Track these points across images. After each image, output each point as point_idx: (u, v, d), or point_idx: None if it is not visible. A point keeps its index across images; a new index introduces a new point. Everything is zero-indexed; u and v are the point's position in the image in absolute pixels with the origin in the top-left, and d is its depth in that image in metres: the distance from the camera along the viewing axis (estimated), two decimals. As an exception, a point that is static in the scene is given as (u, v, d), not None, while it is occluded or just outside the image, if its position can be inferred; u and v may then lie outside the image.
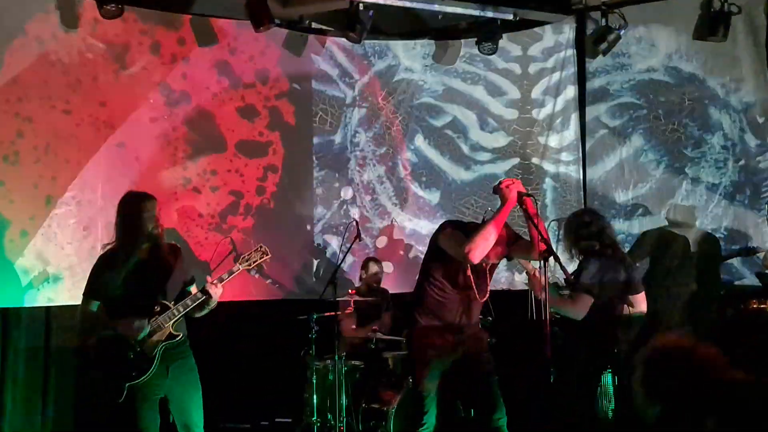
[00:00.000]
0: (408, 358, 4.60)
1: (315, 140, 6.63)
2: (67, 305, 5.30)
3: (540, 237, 3.80)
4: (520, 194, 3.90)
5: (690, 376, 2.33)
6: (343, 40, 6.22)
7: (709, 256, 5.58)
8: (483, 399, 4.14)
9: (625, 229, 6.12)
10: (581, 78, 6.39)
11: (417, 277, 4.26)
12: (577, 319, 4.16)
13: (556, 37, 6.45)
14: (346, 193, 6.72)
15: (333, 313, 5.54)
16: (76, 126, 5.65)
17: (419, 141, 6.79)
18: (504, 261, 4.50)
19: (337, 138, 6.71)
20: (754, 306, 5.45)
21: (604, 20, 6.08)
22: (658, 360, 2.41)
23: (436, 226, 4.26)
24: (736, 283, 5.80)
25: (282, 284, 6.34)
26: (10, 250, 5.40)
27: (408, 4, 6.12)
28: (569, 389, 4.17)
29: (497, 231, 3.88)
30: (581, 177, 6.40)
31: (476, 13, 6.23)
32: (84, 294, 3.89)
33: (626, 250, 5.48)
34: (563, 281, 4.04)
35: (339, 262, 5.76)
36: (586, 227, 4.38)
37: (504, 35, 6.39)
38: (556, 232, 5.79)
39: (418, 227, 6.73)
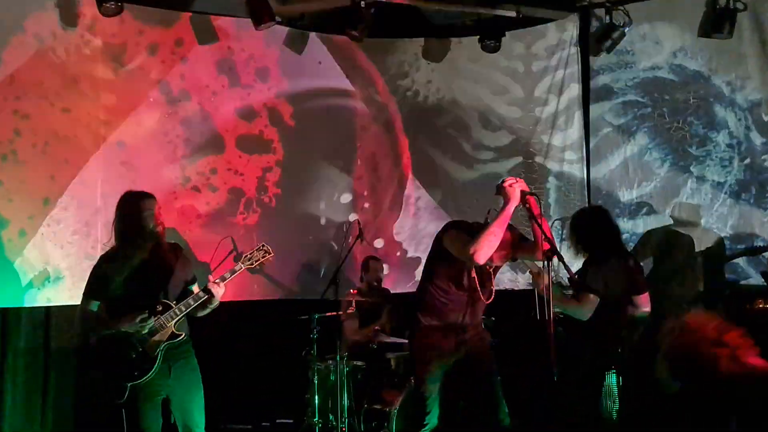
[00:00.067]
0: (410, 358, 4.59)
1: (315, 139, 6.59)
2: (67, 305, 5.29)
3: (544, 236, 3.81)
4: (523, 193, 3.88)
5: (711, 367, 2.36)
6: (345, 37, 6.17)
7: (714, 256, 5.57)
8: (485, 399, 4.13)
9: (630, 228, 6.07)
10: (585, 76, 6.36)
11: (419, 278, 4.24)
12: (583, 319, 4.16)
13: (560, 34, 6.41)
14: (347, 192, 6.69)
15: (335, 313, 5.53)
16: (75, 124, 5.62)
17: (421, 140, 6.77)
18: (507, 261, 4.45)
19: (338, 137, 6.67)
20: (760, 305, 5.43)
21: (608, 17, 6.03)
22: (682, 349, 2.44)
23: (437, 227, 4.24)
24: (742, 282, 5.76)
25: (283, 284, 6.32)
26: (9, 250, 5.38)
27: (410, 1, 6.07)
28: (573, 389, 4.17)
29: (502, 231, 3.87)
30: (585, 176, 6.36)
31: (479, 10, 6.19)
32: (84, 294, 3.88)
33: (630, 249, 5.45)
34: (567, 281, 4.01)
35: (341, 261, 5.74)
36: (593, 225, 4.36)
37: (507, 33, 6.37)
38: (560, 232, 5.76)
39: (419, 227, 6.70)
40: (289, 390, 5.86)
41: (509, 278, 6.23)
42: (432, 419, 4.08)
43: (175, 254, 3.96)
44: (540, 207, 3.93)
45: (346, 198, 6.70)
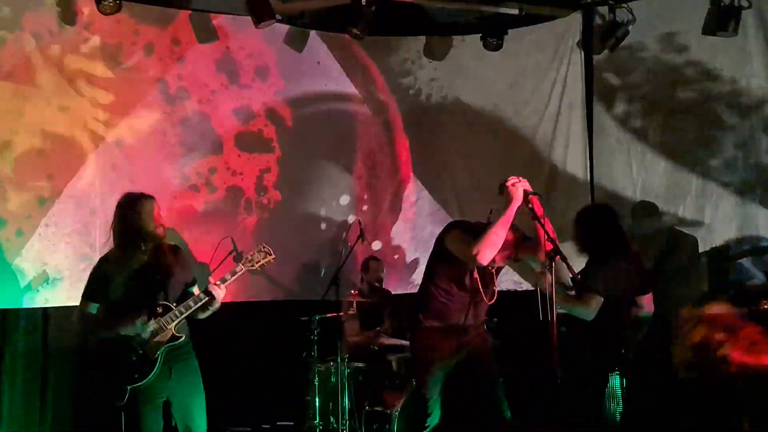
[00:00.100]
0: (411, 360, 4.57)
1: (315, 138, 6.56)
2: (66, 306, 5.27)
3: (547, 237, 3.77)
4: (526, 193, 3.86)
5: (725, 358, 2.39)
6: (346, 36, 6.13)
7: (719, 256, 5.52)
8: (487, 401, 4.11)
9: (633, 229, 6.01)
10: (588, 74, 6.32)
11: (419, 279, 4.21)
12: (588, 319, 4.13)
13: (563, 32, 6.38)
14: (347, 192, 6.66)
15: (335, 314, 5.50)
16: (73, 123, 5.59)
17: (422, 138, 6.73)
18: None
19: (337, 136, 6.64)
20: (765, 306, 5.39)
21: (611, 15, 5.99)
22: (699, 336, 2.46)
23: (439, 227, 4.23)
24: (747, 283, 5.72)
25: (283, 284, 6.29)
26: (7, 250, 5.36)
27: (411, -1, 6.05)
28: (576, 390, 4.14)
29: (505, 232, 3.85)
30: (588, 175, 6.32)
31: (481, 8, 6.17)
32: (83, 296, 3.87)
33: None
34: (570, 281, 3.97)
35: (341, 262, 5.72)
36: (597, 223, 4.32)
37: (509, 31, 6.34)
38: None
39: (420, 227, 6.68)
40: (289, 391, 5.83)
41: (515, 280, 6.20)
42: (433, 421, 4.07)
43: (174, 256, 3.95)
44: (543, 207, 3.90)
45: (346, 198, 6.67)
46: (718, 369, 2.41)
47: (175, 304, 3.80)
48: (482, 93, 6.59)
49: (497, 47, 6.35)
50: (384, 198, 6.74)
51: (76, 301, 3.95)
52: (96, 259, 4.17)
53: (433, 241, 4.24)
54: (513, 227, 3.92)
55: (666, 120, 6.09)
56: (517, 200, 3.83)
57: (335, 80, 6.58)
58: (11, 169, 5.38)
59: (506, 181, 3.90)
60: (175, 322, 3.78)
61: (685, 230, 5.65)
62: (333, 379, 5.40)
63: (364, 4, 5.76)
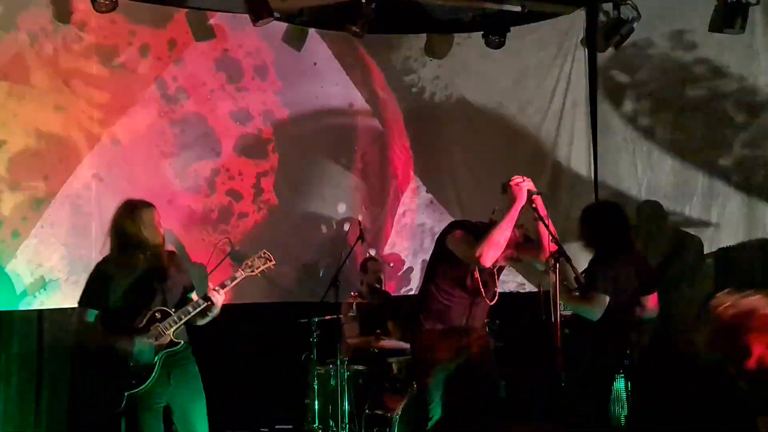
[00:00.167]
0: (412, 362, 4.55)
1: (315, 139, 6.52)
2: (61, 308, 5.25)
3: (551, 237, 3.75)
4: (530, 193, 3.82)
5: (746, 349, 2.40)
6: (345, 33, 6.07)
7: (725, 257, 5.45)
8: (488, 403, 4.09)
9: (638, 228, 5.96)
10: (592, 71, 6.29)
11: (421, 280, 4.18)
12: (594, 319, 4.09)
13: (566, 29, 6.33)
14: (347, 193, 6.61)
15: (335, 316, 5.47)
16: (69, 123, 5.54)
17: (423, 137, 6.69)
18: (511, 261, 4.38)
19: (337, 137, 6.60)
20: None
21: (616, 12, 5.95)
22: (725, 323, 2.45)
23: (440, 227, 4.19)
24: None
25: (282, 286, 6.24)
26: (3, 252, 5.32)
27: (412, -4, 6.03)
28: (580, 392, 4.07)
29: (509, 232, 3.80)
30: (593, 173, 6.27)
31: (484, 5, 6.13)
32: (80, 303, 3.84)
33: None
34: (573, 281, 3.92)
35: (341, 263, 5.69)
36: (602, 221, 4.25)
37: (512, 28, 6.30)
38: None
39: (419, 227, 6.65)
40: (288, 394, 5.80)
41: (519, 282, 6.15)
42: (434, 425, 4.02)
43: (172, 261, 3.95)
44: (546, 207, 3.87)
45: (346, 198, 6.61)
46: (738, 355, 2.39)
47: (173, 310, 3.78)
48: (485, 91, 6.55)
49: (500, 45, 6.31)
50: (384, 198, 6.70)
51: (71, 303, 3.91)
52: (93, 261, 4.14)
53: (434, 241, 4.19)
54: (514, 226, 3.86)
55: (675, 118, 6.02)
56: (521, 200, 3.78)
57: (335, 79, 6.53)
58: (6, 169, 5.33)
59: (510, 180, 3.86)
60: (174, 328, 3.76)
61: (692, 230, 5.60)
62: (333, 382, 5.36)
63: (363, 1, 5.72)
